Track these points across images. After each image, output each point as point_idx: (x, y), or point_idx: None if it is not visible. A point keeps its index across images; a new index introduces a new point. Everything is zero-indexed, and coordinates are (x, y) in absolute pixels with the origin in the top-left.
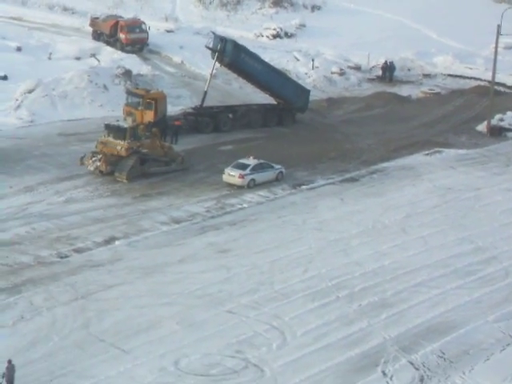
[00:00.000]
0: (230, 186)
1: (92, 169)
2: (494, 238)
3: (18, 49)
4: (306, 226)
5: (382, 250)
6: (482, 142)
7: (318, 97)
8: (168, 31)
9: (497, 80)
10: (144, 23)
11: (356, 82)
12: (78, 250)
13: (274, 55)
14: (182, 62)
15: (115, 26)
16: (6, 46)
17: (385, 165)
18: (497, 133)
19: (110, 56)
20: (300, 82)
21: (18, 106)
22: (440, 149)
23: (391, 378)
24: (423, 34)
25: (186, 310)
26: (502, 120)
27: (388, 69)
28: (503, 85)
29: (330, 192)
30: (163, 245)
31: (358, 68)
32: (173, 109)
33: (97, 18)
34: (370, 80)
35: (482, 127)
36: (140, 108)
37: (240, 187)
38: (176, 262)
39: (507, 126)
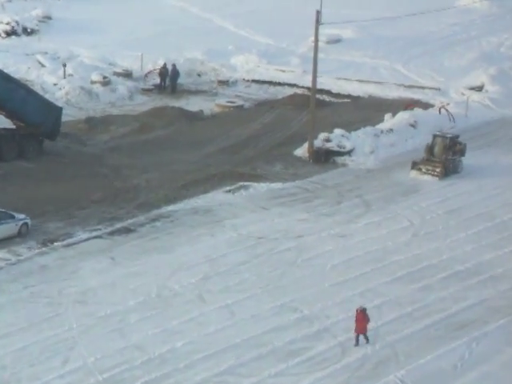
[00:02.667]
0: None
1: None
2: (324, 304)
3: None
4: (64, 298)
5: (172, 326)
6: (304, 172)
7: (73, 116)
8: None
9: (319, 86)
10: None
11: (126, 93)
12: None
13: (9, 60)
14: None
15: None
16: None
17: (171, 208)
18: (322, 158)
19: None
20: (47, 96)
21: None
22: (246, 183)
23: None
24: (216, 25)
25: None
26: (328, 140)
27: (169, 75)
28: (328, 92)
29: (97, 249)
30: None
31: (128, 75)
32: None
33: None
34: (146, 91)
35: (301, 151)
36: None
37: None
38: None
39: (336, 149)
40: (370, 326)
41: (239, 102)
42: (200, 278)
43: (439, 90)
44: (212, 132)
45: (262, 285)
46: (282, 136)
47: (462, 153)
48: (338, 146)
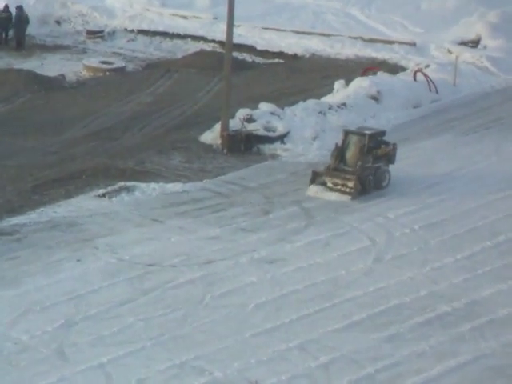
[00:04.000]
0: None
1: None
2: (244, 362)
3: None
4: None
5: None
6: (214, 167)
7: None
8: None
9: (237, 40)
10: None
11: None
12: None
13: None
14: None
15: None
16: None
17: (16, 221)
18: (242, 146)
19: None
20: None
21: None
22: (129, 183)
23: None
24: None
25: None
26: (250, 120)
27: (13, 22)
28: (250, 49)
29: None
30: None
31: None
32: None
33: None
34: None
35: (211, 136)
36: None
37: None
38: None
39: (262, 133)
40: None
41: (119, 64)
42: (60, 324)
43: (414, 45)
44: (79, 107)
45: (152, 334)
46: (183, 114)
47: (390, 159)
48: (266, 128)
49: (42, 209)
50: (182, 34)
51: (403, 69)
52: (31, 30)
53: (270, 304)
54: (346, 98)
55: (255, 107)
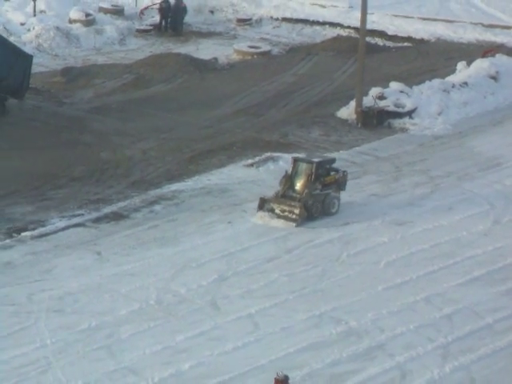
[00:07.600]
0: None
1: None
2: (376, 313)
3: None
4: (36, 305)
5: (177, 343)
6: (350, 139)
7: (46, 66)
8: None
9: (370, 26)
10: None
11: (116, 36)
12: None
13: None
14: None
15: None
16: None
17: (175, 187)
18: (374, 121)
19: None
20: (12, 40)
21: None
22: (275, 154)
23: None
24: None
25: None
26: (381, 97)
27: (173, 11)
28: (382, 34)
29: (78, 241)
30: None
31: (118, 12)
32: None
33: None
34: (142, 32)
35: (347, 112)
36: None
37: None
38: None
39: (392, 109)
40: (437, 342)
41: (265, 48)
42: (214, 278)
43: None
44: (229, 87)
45: (295, 288)
46: (322, 92)
47: (340, 186)
48: (396, 104)
49: (197, 177)
50: (320, 21)
51: None
52: (188, 18)
53: (400, 261)
54: (467, 78)
55: (386, 86)
